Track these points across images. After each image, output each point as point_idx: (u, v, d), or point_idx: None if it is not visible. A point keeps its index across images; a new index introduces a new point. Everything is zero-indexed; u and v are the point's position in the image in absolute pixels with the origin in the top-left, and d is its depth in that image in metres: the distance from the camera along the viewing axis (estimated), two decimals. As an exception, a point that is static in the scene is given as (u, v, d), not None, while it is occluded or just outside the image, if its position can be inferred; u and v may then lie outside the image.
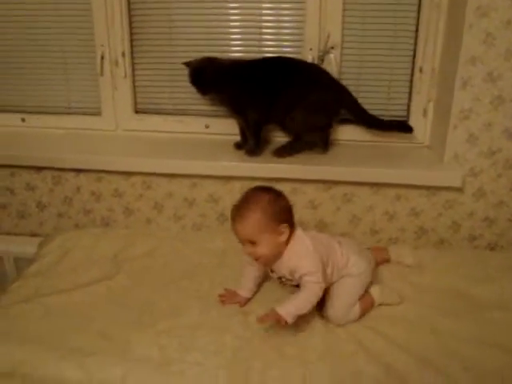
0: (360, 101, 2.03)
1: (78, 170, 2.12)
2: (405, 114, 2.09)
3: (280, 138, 2.13)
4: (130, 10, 2.07)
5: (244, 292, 1.65)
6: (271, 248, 1.49)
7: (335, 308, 1.54)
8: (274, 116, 2.01)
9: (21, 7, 2.12)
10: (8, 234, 2.28)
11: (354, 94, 2.02)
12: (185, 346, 1.46)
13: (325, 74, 1.97)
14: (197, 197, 2.08)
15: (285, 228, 1.49)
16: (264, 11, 2.02)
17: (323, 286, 1.47)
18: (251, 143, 2.02)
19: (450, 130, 1.90)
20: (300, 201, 2.03)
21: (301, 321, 1.53)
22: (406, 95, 2.06)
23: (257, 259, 1.52)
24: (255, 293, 1.67)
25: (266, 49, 2.06)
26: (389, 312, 1.61)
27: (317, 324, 1.55)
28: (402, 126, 2.04)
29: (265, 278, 1.70)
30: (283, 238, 1.49)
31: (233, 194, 2.04)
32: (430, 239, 2.07)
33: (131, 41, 2.11)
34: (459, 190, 1.97)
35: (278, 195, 1.54)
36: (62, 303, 1.64)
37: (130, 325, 1.54)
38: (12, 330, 1.53)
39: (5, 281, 2.22)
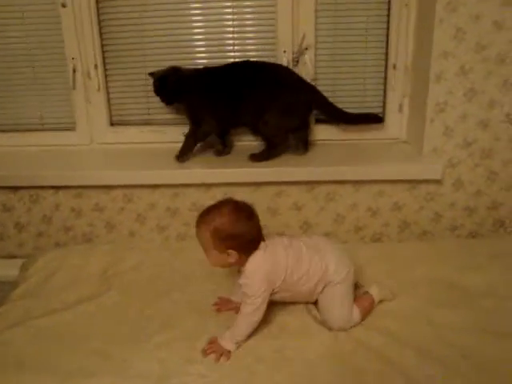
0: (336, 99, 2.07)
1: (57, 187, 2.08)
2: (381, 110, 2.12)
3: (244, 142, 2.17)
4: (99, 21, 2.05)
5: (238, 298, 1.64)
6: (218, 262, 1.53)
7: (336, 316, 1.54)
8: (244, 120, 2.02)
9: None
10: (-16, 257, 2.23)
11: (330, 93, 2.06)
12: (185, 358, 1.44)
13: (292, 75, 1.98)
14: (180, 206, 2.06)
15: (232, 253, 1.48)
16: (235, 16, 2.02)
17: (255, 307, 1.47)
18: (181, 150, 2.03)
19: (427, 123, 1.94)
20: (284, 203, 2.04)
21: (299, 324, 1.55)
22: (381, 92, 2.10)
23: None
24: None
25: (239, 53, 2.07)
26: (384, 307, 1.62)
27: (314, 326, 1.55)
28: (373, 118, 2.07)
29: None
30: (230, 259, 1.49)
31: (215, 200, 2.01)
32: (413, 232, 2.10)
33: (103, 52, 2.09)
34: (439, 182, 2.01)
35: (237, 220, 1.49)
36: (53, 324, 1.60)
37: (126, 341, 1.52)
38: (5, 356, 1.48)
39: (-14, 305, 2.17)
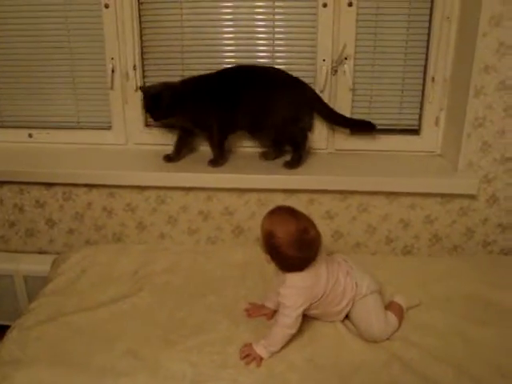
0: (372, 110, 2.09)
1: (90, 186, 2.09)
2: (417, 123, 2.10)
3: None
4: (140, 22, 2.06)
5: (271, 304, 1.64)
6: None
7: (375, 326, 1.53)
8: (242, 125, 2.02)
9: (30, 21, 2.10)
10: (16, 251, 2.24)
11: (367, 103, 2.06)
12: (217, 362, 1.45)
13: (287, 75, 1.99)
14: (212, 210, 2.07)
15: (269, 260, 1.53)
16: (277, 23, 2.02)
17: (292, 320, 1.47)
18: (215, 154, 2.04)
19: (464, 138, 1.92)
20: (317, 211, 2.03)
21: (332, 333, 1.55)
22: (418, 104, 2.08)
23: None
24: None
25: (279, 60, 2.06)
26: (417, 321, 1.61)
27: (347, 335, 1.55)
28: (366, 125, 2.04)
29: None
30: (272, 263, 1.53)
31: (249, 206, 2.04)
32: (443, 246, 2.08)
33: (142, 53, 2.09)
34: (473, 197, 1.99)
35: (294, 243, 1.47)
36: (86, 322, 1.61)
37: (158, 342, 1.53)
38: (37, 352, 1.49)
39: (15, 299, 2.19)
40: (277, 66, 2.04)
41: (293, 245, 1.47)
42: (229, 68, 2.02)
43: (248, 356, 1.46)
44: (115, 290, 1.76)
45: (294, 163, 2.01)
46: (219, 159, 2.03)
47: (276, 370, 1.43)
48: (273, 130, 2.00)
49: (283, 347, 1.49)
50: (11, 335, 1.57)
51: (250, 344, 1.49)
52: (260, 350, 1.46)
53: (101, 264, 1.90)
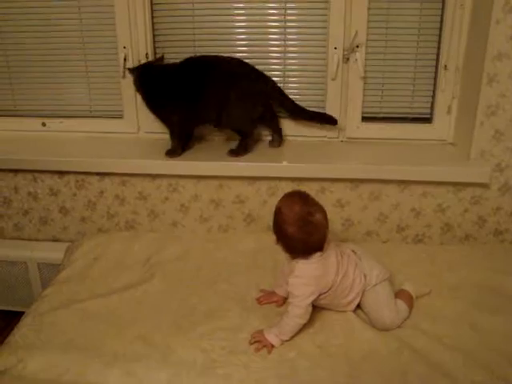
0: (384, 98, 2.09)
1: (102, 174, 2.11)
2: (429, 111, 2.10)
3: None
4: (152, 10, 2.06)
5: (282, 291, 1.65)
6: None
7: (386, 314, 1.54)
8: (205, 116, 2.02)
9: (43, 11, 2.11)
10: (30, 239, 2.27)
11: (379, 91, 2.06)
12: (228, 348, 1.46)
13: (247, 66, 1.99)
14: (224, 198, 2.07)
15: (275, 240, 1.54)
16: (288, 11, 2.02)
17: (303, 310, 1.48)
18: (172, 145, 2.04)
19: (477, 126, 1.91)
20: (328, 200, 2.03)
21: (343, 321, 1.56)
22: (430, 93, 2.07)
23: None
24: None
25: (291, 48, 2.06)
26: (426, 309, 1.61)
27: (358, 323, 1.55)
28: (328, 119, 2.05)
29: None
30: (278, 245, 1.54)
31: (260, 194, 2.04)
32: (455, 235, 2.07)
33: (154, 42, 2.10)
34: (485, 185, 1.98)
35: (302, 227, 1.48)
36: (99, 308, 1.63)
37: (169, 329, 1.54)
38: (51, 337, 1.52)
39: (29, 286, 2.22)
40: (289, 55, 2.06)
41: (294, 223, 1.48)
42: (191, 59, 2.02)
43: (259, 342, 1.47)
44: (127, 277, 1.78)
45: (239, 151, 2.03)
46: (176, 149, 2.03)
47: (286, 357, 1.44)
48: (231, 122, 2.02)
49: (294, 335, 1.50)
50: (26, 321, 1.60)
51: (262, 331, 1.50)
52: (271, 338, 1.47)
53: (113, 251, 1.92)
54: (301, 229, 1.48)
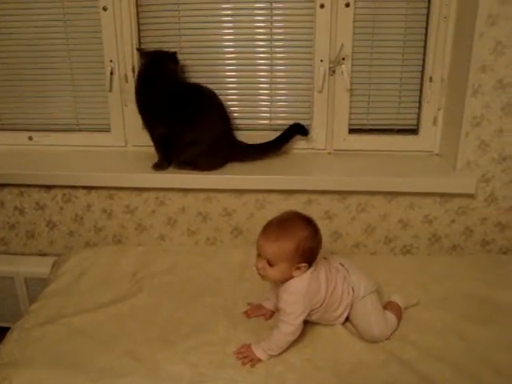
0: (370, 110, 2.11)
1: (89, 188, 2.10)
2: (415, 122, 2.11)
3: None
4: (139, 25, 2.07)
5: (269, 305, 1.64)
6: (282, 275, 1.49)
7: (374, 326, 1.53)
8: (180, 142, 2.00)
9: (29, 24, 2.11)
10: (16, 254, 2.25)
11: (365, 103, 2.10)
12: (216, 362, 1.45)
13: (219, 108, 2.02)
14: (211, 211, 2.07)
15: (303, 267, 1.49)
16: (275, 24, 2.03)
17: (294, 328, 1.47)
18: (159, 158, 2.04)
19: (462, 137, 1.92)
20: (315, 212, 2.03)
21: (330, 334, 1.55)
22: (416, 104, 2.09)
23: (262, 275, 1.51)
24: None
25: (277, 61, 2.07)
26: (414, 320, 1.61)
27: (346, 337, 1.55)
28: (297, 129, 2.07)
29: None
30: (297, 274, 1.49)
31: (247, 207, 2.04)
32: (443, 246, 2.08)
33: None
34: (471, 196, 1.99)
35: (316, 233, 1.52)
36: (85, 323, 1.62)
37: (157, 343, 1.53)
38: (37, 353, 1.50)
39: (16, 301, 2.20)
40: (275, 67, 2.08)
41: (315, 235, 1.52)
42: (197, 85, 2.03)
43: (246, 358, 1.46)
44: (115, 291, 1.77)
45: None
46: (163, 163, 2.03)
47: (274, 371, 1.43)
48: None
49: (283, 351, 1.49)
50: (11, 336, 1.58)
51: (249, 345, 1.49)
52: (259, 353, 1.46)
53: (100, 265, 1.90)
54: (317, 234, 1.53)
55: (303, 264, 1.48)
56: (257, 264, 1.50)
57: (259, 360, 1.45)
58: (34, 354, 1.50)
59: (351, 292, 1.56)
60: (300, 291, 1.48)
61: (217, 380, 1.40)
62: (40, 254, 2.24)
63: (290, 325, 1.47)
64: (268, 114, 2.15)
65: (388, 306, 1.62)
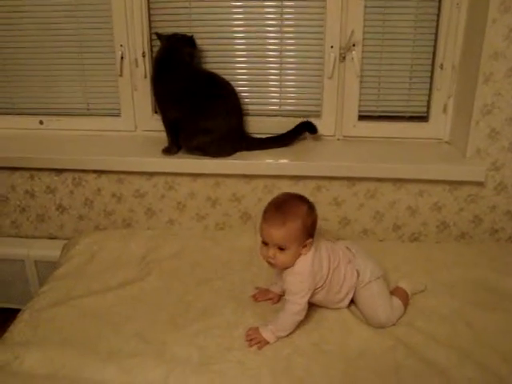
0: (380, 97, 2.10)
1: (99, 172, 2.11)
2: (425, 110, 2.10)
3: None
4: (149, 9, 2.07)
5: (276, 288, 1.65)
6: (293, 257, 1.50)
7: (380, 312, 1.54)
8: (191, 129, 2.01)
9: (40, 9, 2.12)
10: (27, 237, 2.28)
11: (375, 90, 2.09)
12: (223, 345, 1.47)
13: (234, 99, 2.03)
14: (220, 196, 2.08)
15: (309, 243, 1.50)
16: (285, 9, 2.02)
17: (300, 307, 1.48)
18: (169, 142, 2.05)
19: (472, 125, 1.92)
20: (324, 198, 2.04)
21: (337, 318, 1.56)
22: (427, 91, 2.08)
23: (274, 263, 1.52)
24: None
25: (288, 47, 2.07)
26: (421, 307, 1.62)
27: (352, 322, 1.56)
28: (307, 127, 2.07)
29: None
30: (305, 251, 1.50)
31: (256, 192, 2.05)
32: (451, 233, 2.08)
33: (151, 41, 2.11)
34: (481, 184, 1.99)
35: (312, 207, 1.54)
36: (95, 305, 1.64)
37: (165, 326, 1.55)
38: (47, 333, 1.53)
39: (27, 284, 2.22)
40: (285, 53, 2.07)
41: (313, 209, 1.55)
42: (214, 74, 2.03)
43: (253, 340, 1.48)
44: (124, 274, 1.79)
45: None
46: (172, 147, 2.04)
47: (282, 353, 1.44)
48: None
49: (291, 332, 1.51)
50: (22, 317, 1.61)
51: (257, 328, 1.50)
52: (267, 334, 1.47)
53: (110, 249, 1.92)
54: (313, 206, 1.55)
55: (309, 240, 1.50)
56: (267, 253, 1.50)
57: (266, 342, 1.47)
58: (45, 334, 1.53)
59: (355, 274, 1.56)
60: (304, 270, 1.50)
61: (224, 362, 1.41)
62: (50, 238, 2.26)
63: (296, 304, 1.48)
64: (278, 100, 2.15)
65: (395, 291, 1.63)
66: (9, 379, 1.36)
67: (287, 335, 1.50)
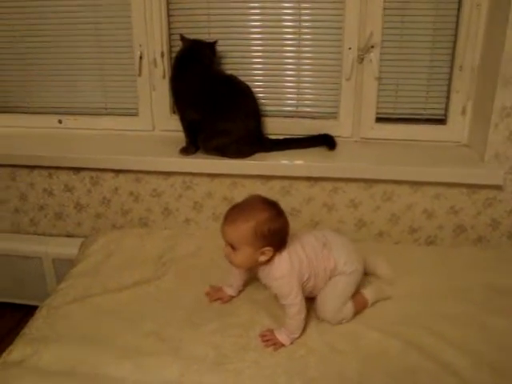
0: (398, 99, 2.08)
1: (117, 171, 2.13)
2: (443, 112, 2.09)
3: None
4: (168, 9, 2.08)
5: (230, 290, 1.67)
6: (247, 260, 1.50)
7: (327, 307, 1.55)
8: (209, 130, 2.01)
9: (59, 9, 2.14)
10: (44, 234, 2.30)
11: (393, 92, 2.08)
12: (239, 345, 1.47)
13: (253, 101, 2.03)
14: (237, 196, 2.08)
15: (268, 251, 1.48)
16: (303, 11, 2.03)
17: (298, 306, 1.48)
18: (187, 142, 2.05)
19: (491, 128, 1.90)
20: (341, 199, 2.04)
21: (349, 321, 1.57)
22: (445, 93, 2.07)
23: (230, 262, 1.53)
24: (240, 292, 1.69)
25: (305, 48, 2.07)
26: (436, 310, 1.61)
27: (369, 322, 1.56)
28: (325, 141, 2.07)
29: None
30: (263, 258, 1.49)
31: (272, 193, 2.05)
32: (468, 237, 2.07)
33: (170, 41, 2.12)
34: (499, 187, 1.97)
35: (278, 215, 1.50)
36: (111, 303, 1.65)
37: (181, 324, 1.55)
38: (65, 330, 1.54)
39: (43, 281, 2.24)
40: (303, 54, 2.08)
41: (276, 217, 1.49)
42: (233, 77, 2.03)
43: (268, 341, 1.48)
44: (140, 273, 1.80)
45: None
46: (190, 147, 2.04)
47: (296, 354, 1.45)
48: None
49: (304, 332, 1.51)
50: (40, 314, 1.62)
51: (272, 330, 1.51)
52: (283, 337, 1.48)
53: (127, 248, 1.94)
54: (279, 216, 1.50)
55: (267, 248, 1.47)
56: (224, 251, 1.52)
57: (282, 345, 1.47)
58: (62, 330, 1.54)
59: (333, 262, 1.55)
60: (285, 272, 1.49)
61: (240, 362, 1.42)
62: (68, 235, 2.29)
63: (293, 305, 1.49)
64: (295, 101, 2.15)
65: (355, 297, 1.60)
66: (27, 374, 1.37)
67: (301, 335, 1.50)
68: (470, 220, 2.04)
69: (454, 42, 1.99)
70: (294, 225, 1.56)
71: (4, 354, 1.47)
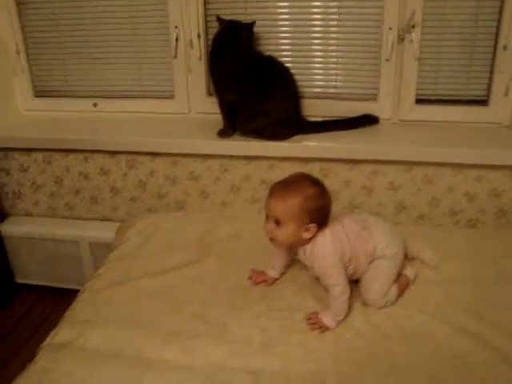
0: (439, 80, 2.04)
1: (153, 154, 2.12)
2: (485, 93, 2.04)
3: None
4: (205, -10, 2.06)
5: (272, 273, 1.66)
6: (290, 237, 1.49)
7: (373, 292, 1.53)
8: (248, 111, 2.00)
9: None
10: (80, 218, 2.31)
11: (433, 73, 2.03)
12: (285, 328, 1.47)
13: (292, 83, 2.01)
14: (274, 178, 2.04)
15: (313, 227, 1.48)
16: (342, -10, 1.99)
17: (342, 286, 1.48)
18: (224, 125, 2.04)
19: (535, 108, 1.86)
20: (380, 182, 2.01)
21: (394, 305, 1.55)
22: (487, 74, 2.01)
23: (272, 238, 1.52)
24: (283, 274, 1.68)
25: (345, 28, 2.03)
26: (484, 295, 1.57)
27: (415, 305, 1.54)
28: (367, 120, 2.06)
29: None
30: (306, 235, 1.48)
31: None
32: (510, 220, 2.02)
33: (206, 22, 2.09)
34: (542, 169, 1.94)
35: (323, 192, 1.51)
36: (153, 286, 1.65)
37: (225, 307, 1.55)
38: (108, 312, 1.54)
39: (80, 265, 2.25)
40: (342, 35, 2.04)
41: (322, 194, 1.50)
42: (271, 58, 2.01)
43: (314, 324, 1.47)
44: (181, 255, 1.79)
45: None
46: (227, 130, 2.03)
47: (343, 337, 1.44)
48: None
49: (350, 315, 1.50)
50: (83, 296, 1.63)
51: (317, 313, 1.50)
52: (328, 320, 1.47)
53: (165, 231, 1.93)
54: (324, 192, 1.51)
55: (312, 225, 1.47)
56: (265, 226, 1.51)
57: (327, 328, 1.46)
58: (106, 313, 1.54)
59: (373, 245, 1.54)
60: (329, 252, 1.49)
61: (287, 344, 1.41)
62: (103, 219, 2.29)
63: (337, 285, 1.48)
64: (334, 83, 2.12)
65: (398, 279, 1.59)
66: (76, 356, 1.38)
67: (345, 317, 1.49)
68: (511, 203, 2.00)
69: (499, 21, 1.94)
70: (332, 207, 1.54)
71: (49, 337, 1.48)
